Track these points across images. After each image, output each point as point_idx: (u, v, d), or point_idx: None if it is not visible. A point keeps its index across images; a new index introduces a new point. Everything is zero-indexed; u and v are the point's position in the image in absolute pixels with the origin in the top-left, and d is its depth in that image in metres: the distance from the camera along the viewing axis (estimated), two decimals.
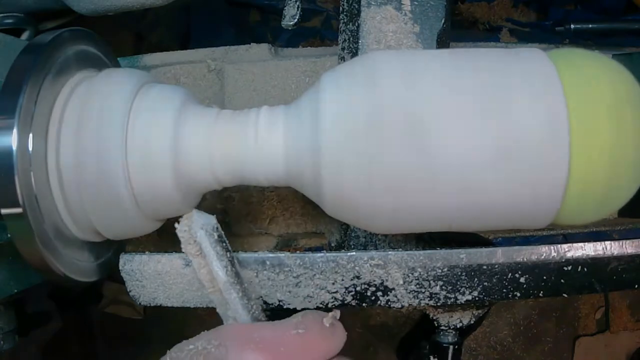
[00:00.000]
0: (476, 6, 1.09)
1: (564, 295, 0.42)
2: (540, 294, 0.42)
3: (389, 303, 0.43)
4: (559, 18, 1.05)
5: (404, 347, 1.20)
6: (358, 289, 0.42)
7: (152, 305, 0.44)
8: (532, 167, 0.35)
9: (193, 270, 0.42)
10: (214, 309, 0.43)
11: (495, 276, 0.41)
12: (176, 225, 0.40)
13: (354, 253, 0.41)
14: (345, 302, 0.43)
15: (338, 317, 0.37)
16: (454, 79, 0.37)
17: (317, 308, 0.43)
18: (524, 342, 1.23)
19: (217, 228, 0.39)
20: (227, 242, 0.39)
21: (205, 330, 0.36)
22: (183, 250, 0.39)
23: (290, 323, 0.36)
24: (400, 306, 0.43)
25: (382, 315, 1.24)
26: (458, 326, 0.49)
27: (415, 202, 0.37)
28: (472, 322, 0.49)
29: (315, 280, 0.42)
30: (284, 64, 0.59)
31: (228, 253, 0.39)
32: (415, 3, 0.48)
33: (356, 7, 0.49)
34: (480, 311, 0.49)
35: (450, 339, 0.50)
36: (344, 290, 0.42)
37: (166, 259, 0.43)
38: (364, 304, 0.43)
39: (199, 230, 0.38)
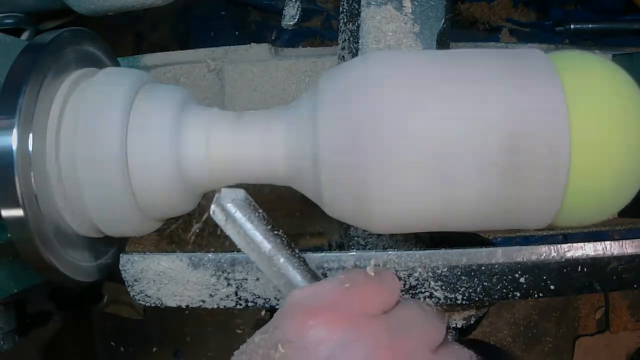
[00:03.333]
0: (476, 6, 1.09)
1: (564, 295, 0.42)
2: (540, 294, 0.42)
3: None
4: (559, 18, 1.05)
5: None
6: None
7: (152, 305, 0.44)
8: (532, 167, 0.35)
9: (195, 271, 0.42)
10: (214, 309, 0.43)
11: (495, 276, 0.41)
12: (211, 209, 0.38)
13: (354, 253, 0.41)
14: None
15: (380, 265, 0.36)
16: (453, 80, 0.37)
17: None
18: (524, 342, 1.23)
19: (247, 198, 0.38)
20: (260, 210, 0.38)
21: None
22: (225, 232, 0.38)
23: (336, 279, 0.35)
24: None
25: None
26: (458, 326, 0.49)
27: (415, 202, 0.37)
28: (472, 322, 0.49)
29: None
30: (284, 64, 0.59)
31: (264, 220, 0.37)
32: (416, 3, 0.48)
33: (356, 7, 0.49)
34: (480, 311, 0.49)
35: (450, 339, 0.50)
36: None
37: (166, 259, 0.43)
38: None
39: (227, 204, 0.37)
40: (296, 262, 0.38)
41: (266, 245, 0.37)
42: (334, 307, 0.33)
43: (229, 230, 0.37)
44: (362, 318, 0.34)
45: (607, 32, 0.95)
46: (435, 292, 0.42)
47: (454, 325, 0.49)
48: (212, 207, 0.37)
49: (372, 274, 0.36)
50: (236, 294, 0.42)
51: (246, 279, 0.42)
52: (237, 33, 1.15)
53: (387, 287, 0.36)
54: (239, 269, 0.42)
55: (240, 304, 0.43)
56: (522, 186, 0.36)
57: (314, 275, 0.38)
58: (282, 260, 0.37)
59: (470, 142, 0.35)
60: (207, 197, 0.50)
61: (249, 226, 0.37)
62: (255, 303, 0.43)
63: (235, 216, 0.37)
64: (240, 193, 0.38)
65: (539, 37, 1.05)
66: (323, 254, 0.42)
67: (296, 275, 0.37)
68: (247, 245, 0.37)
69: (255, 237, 0.37)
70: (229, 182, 0.43)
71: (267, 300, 0.43)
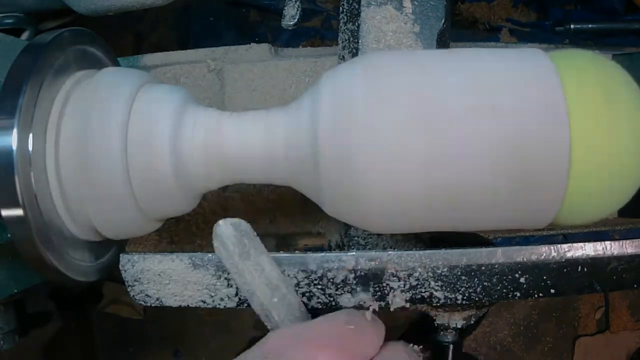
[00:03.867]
0: (476, 6, 1.09)
1: (564, 295, 0.42)
2: (540, 294, 0.42)
3: (389, 303, 0.43)
4: (559, 18, 1.05)
5: None
6: (357, 288, 0.42)
7: (152, 305, 0.44)
8: (532, 167, 0.35)
9: (190, 273, 0.42)
10: (214, 309, 0.43)
11: (495, 276, 0.41)
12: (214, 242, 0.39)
13: (354, 253, 0.41)
14: (345, 302, 0.43)
15: (375, 311, 0.38)
16: (452, 80, 0.37)
17: (317, 308, 0.43)
18: (524, 342, 1.23)
19: (247, 231, 0.39)
20: (259, 242, 0.39)
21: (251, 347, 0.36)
22: (226, 265, 0.39)
23: (341, 319, 0.37)
24: (399, 306, 0.43)
25: (381, 316, 1.24)
26: (458, 326, 0.49)
27: (414, 202, 0.37)
28: (472, 322, 0.49)
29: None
30: (284, 64, 0.59)
31: (264, 254, 0.39)
32: (415, 3, 0.48)
33: (356, 7, 0.49)
34: (480, 311, 0.49)
35: (450, 338, 0.50)
36: (344, 290, 0.42)
37: (166, 259, 0.43)
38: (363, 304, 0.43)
39: (230, 237, 0.38)
40: (294, 296, 0.39)
41: (275, 277, 0.39)
42: (339, 346, 0.35)
43: (228, 264, 0.38)
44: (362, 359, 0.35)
45: (607, 32, 0.95)
46: (435, 292, 0.42)
47: (454, 326, 0.49)
48: (214, 242, 0.39)
49: (369, 319, 0.38)
50: (236, 294, 0.42)
51: None
52: (237, 33, 1.15)
53: (380, 334, 0.38)
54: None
55: (241, 305, 0.43)
56: (521, 186, 0.36)
57: (307, 314, 0.40)
58: (283, 291, 0.39)
59: (469, 142, 0.35)
60: (205, 198, 0.50)
61: (254, 258, 0.38)
62: None
63: (234, 249, 0.38)
64: (241, 225, 0.39)
65: (539, 37, 1.05)
66: (323, 254, 0.42)
67: (294, 311, 0.39)
68: (243, 281, 0.38)
69: (264, 267, 0.38)
70: (229, 181, 0.43)
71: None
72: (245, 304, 0.43)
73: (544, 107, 0.35)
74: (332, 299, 0.42)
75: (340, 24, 0.53)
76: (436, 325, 0.50)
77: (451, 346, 0.50)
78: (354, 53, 0.49)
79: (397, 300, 0.43)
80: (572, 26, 0.94)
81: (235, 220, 0.38)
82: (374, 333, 0.37)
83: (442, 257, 0.41)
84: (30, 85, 0.39)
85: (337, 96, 0.38)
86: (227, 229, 0.38)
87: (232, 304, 0.43)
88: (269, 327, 0.39)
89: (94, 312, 1.18)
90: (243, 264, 0.38)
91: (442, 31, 0.48)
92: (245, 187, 0.59)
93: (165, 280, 0.43)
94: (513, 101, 0.35)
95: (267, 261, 0.38)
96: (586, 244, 0.41)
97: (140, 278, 0.43)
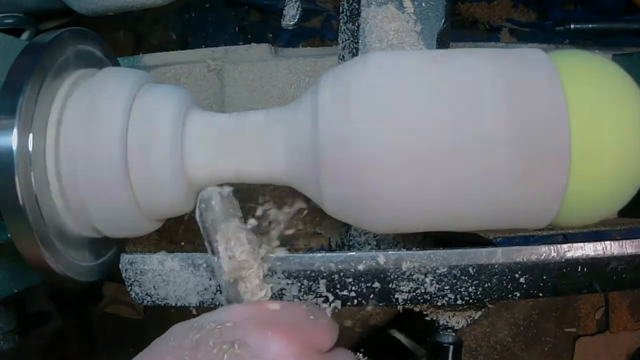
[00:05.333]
0: (476, 6, 1.09)
1: (564, 295, 0.42)
2: (540, 294, 0.42)
3: (389, 303, 0.42)
4: (559, 18, 1.05)
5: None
6: (358, 289, 0.42)
7: (152, 305, 0.44)
8: (532, 168, 0.35)
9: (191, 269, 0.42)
10: (213, 309, 0.43)
11: (495, 276, 0.41)
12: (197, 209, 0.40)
13: (354, 253, 0.41)
14: (346, 302, 0.43)
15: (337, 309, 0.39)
16: (453, 80, 0.37)
17: None
18: (524, 342, 1.23)
19: (229, 195, 0.39)
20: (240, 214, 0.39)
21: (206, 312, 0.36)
22: (203, 231, 0.39)
23: (302, 308, 0.37)
24: (399, 306, 0.43)
25: (382, 315, 1.24)
26: (458, 326, 0.49)
27: (414, 203, 0.37)
28: (471, 322, 0.49)
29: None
30: (284, 64, 0.59)
31: (242, 228, 0.39)
32: (416, 3, 0.48)
33: (356, 6, 0.49)
34: (479, 311, 0.49)
35: (449, 339, 0.50)
36: (344, 290, 0.42)
37: (166, 259, 0.43)
38: (363, 304, 0.43)
39: (216, 202, 0.38)
40: (262, 273, 0.40)
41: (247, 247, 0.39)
42: (297, 332, 0.35)
43: (203, 225, 0.39)
44: (314, 351, 0.36)
45: (607, 32, 0.95)
46: (435, 293, 0.42)
47: (454, 326, 0.49)
48: (197, 206, 0.39)
49: (329, 316, 0.39)
50: None
51: None
52: (237, 32, 1.15)
53: (335, 333, 0.38)
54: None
55: None
56: (522, 186, 0.36)
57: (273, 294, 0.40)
58: (255, 265, 0.39)
59: (470, 142, 0.35)
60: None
61: (229, 225, 0.39)
62: None
63: (214, 210, 0.39)
64: (224, 190, 0.39)
65: (539, 37, 1.05)
66: (323, 254, 0.42)
67: (257, 288, 0.39)
68: (220, 249, 0.39)
69: (234, 235, 0.39)
70: (228, 181, 0.43)
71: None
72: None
73: (544, 107, 0.35)
74: (324, 297, 0.42)
75: (340, 24, 0.53)
76: (436, 325, 0.50)
77: (451, 346, 0.50)
78: (354, 53, 0.49)
79: (397, 299, 0.43)
80: (572, 26, 0.94)
81: (221, 188, 0.39)
82: (330, 331, 0.37)
83: (442, 257, 0.41)
84: (30, 85, 0.39)
85: (337, 96, 0.38)
86: (213, 194, 0.39)
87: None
88: (228, 300, 0.39)
89: (94, 312, 1.18)
90: (220, 232, 0.38)
91: (442, 31, 0.48)
92: (245, 187, 0.59)
93: (165, 280, 0.43)
94: (513, 102, 0.35)
95: (243, 236, 0.39)
96: (586, 244, 0.41)
97: (140, 278, 0.43)
